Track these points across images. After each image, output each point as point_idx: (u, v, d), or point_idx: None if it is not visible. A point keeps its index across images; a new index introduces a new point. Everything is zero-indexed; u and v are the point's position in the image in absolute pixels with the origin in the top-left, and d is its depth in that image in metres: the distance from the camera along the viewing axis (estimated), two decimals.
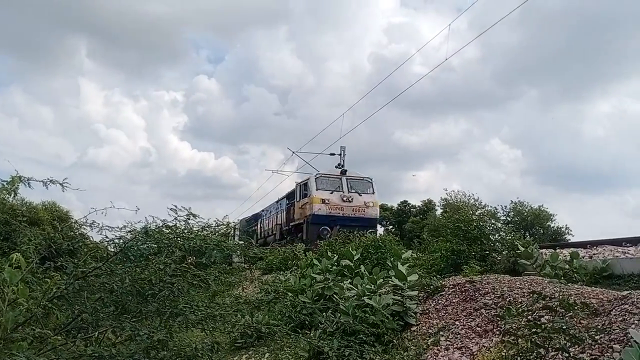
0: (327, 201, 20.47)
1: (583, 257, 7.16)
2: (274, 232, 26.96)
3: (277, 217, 27.33)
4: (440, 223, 9.43)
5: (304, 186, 22.22)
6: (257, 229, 32.26)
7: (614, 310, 4.81)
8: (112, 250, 4.56)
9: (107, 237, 4.39)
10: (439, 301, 6.92)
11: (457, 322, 6.14)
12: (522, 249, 7.39)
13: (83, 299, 4.11)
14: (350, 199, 20.86)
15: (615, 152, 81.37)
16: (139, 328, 3.74)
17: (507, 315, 5.38)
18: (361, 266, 8.46)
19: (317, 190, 20.76)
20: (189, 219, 4.14)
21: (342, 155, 27.15)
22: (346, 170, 22.20)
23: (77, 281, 3.98)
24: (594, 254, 7.42)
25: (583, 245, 8.48)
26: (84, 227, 4.57)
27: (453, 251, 8.18)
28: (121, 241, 4.29)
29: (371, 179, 22.43)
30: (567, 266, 6.67)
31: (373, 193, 21.89)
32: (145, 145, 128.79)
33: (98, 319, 3.99)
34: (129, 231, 4.41)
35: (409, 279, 7.10)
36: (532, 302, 5.51)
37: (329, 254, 9.28)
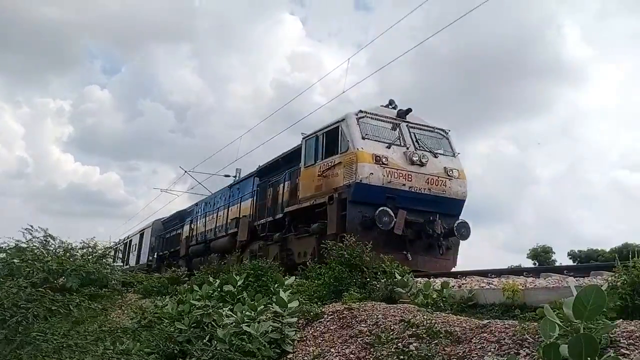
0: (384, 160, 11.44)
1: (453, 286, 7.58)
2: (229, 231, 17.57)
3: (235, 208, 17.99)
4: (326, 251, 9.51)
5: (328, 135, 12.57)
6: (185, 232, 23.86)
7: (474, 338, 5.11)
8: None
9: None
10: (318, 328, 6.97)
11: (332, 350, 6.20)
12: (399, 277, 7.69)
13: None
14: (422, 161, 11.90)
15: (489, 190, 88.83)
16: None
17: (377, 343, 5.54)
18: (244, 292, 8.34)
19: (362, 139, 11.60)
20: (46, 240, 3.82)
21: (237, 177, 26.85)
22: (408, 111, 12.74)
23: None
24: (462, 284, 7.89)
25: (454, 275, 9.03)
26: None
27: (335, 278, 8.31)
28: None
29: (448, 131, 13.31)
30: (435, 295, 7.03)
31: (454, 155, 12.90)
32: (22, 154, 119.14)
33: None
34: None
35: (289, 305, 7.10)
36: (402, 330, 5.73)
37: (210, 279, 9.06)
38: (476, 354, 4.85)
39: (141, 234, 31.68)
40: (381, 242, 10.68)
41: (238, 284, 8.52)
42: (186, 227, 24.02)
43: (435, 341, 5.24)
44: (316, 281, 8.85)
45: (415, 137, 12.42)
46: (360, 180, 11.10)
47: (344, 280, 8.20)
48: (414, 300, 7.10)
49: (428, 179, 11.90)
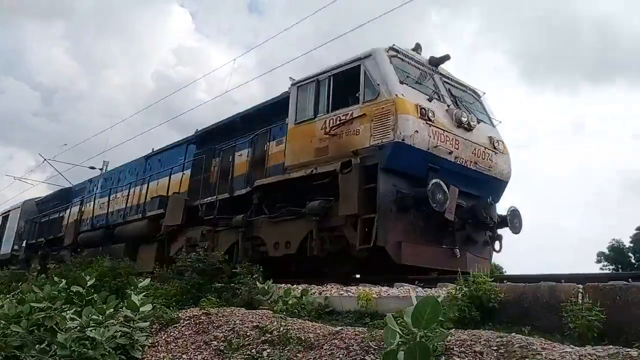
0: (430, 115, 8.33)
1: (313, 293, 7.72)
2: (148, 213, 13.57)
3: (157, 183, 14.24)
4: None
5: (341, 78, 9.22)
6: (72, 215, 18.98)
7: (326, 344, 5.22)
8: None
9: None
10: (172, 333, 6.73)
11: (184, 356, 6.01)
12: (260, 285, 7.71)
13: None
14: (471, 124, 8.98)
15: None
16: None
17: (228, 350, 5.47)
18: (95, 294, 7.78)
19: (401, 83, 8.44)
20: None
21: (104, 170, 25.24)
22: (444, 59, 9.78)
23: None
24: (323, 291, 8.06)
25: (317, 281, 9.18)
26: None
27: (194, 284, 8.12)
28: None
29: (483, 93, 10.60)
30: (294, 302, 7.12)
31: (492, 125, 10.17)
32: None
33: None
34: None
35: (141, 309, 6.75)
36: (257, 336, 5.71)
37: (55, 278, 8.32)
38: (325, 359, 4.96)
39: (4, 216, 25.83)
40: (418, 230, 8.25)
41: (88, 285, 7.92)
42: (74, 209, 19.20)
43: (288, 347, 5.28)
44: (173, 285, 8.56)
45: (452, 94, 9.59)
46: (402, 140, 7.90)
47: (201, 286, 8.02)
48: (274, 307, 7.12)
49: (475, 149, 8.99)
